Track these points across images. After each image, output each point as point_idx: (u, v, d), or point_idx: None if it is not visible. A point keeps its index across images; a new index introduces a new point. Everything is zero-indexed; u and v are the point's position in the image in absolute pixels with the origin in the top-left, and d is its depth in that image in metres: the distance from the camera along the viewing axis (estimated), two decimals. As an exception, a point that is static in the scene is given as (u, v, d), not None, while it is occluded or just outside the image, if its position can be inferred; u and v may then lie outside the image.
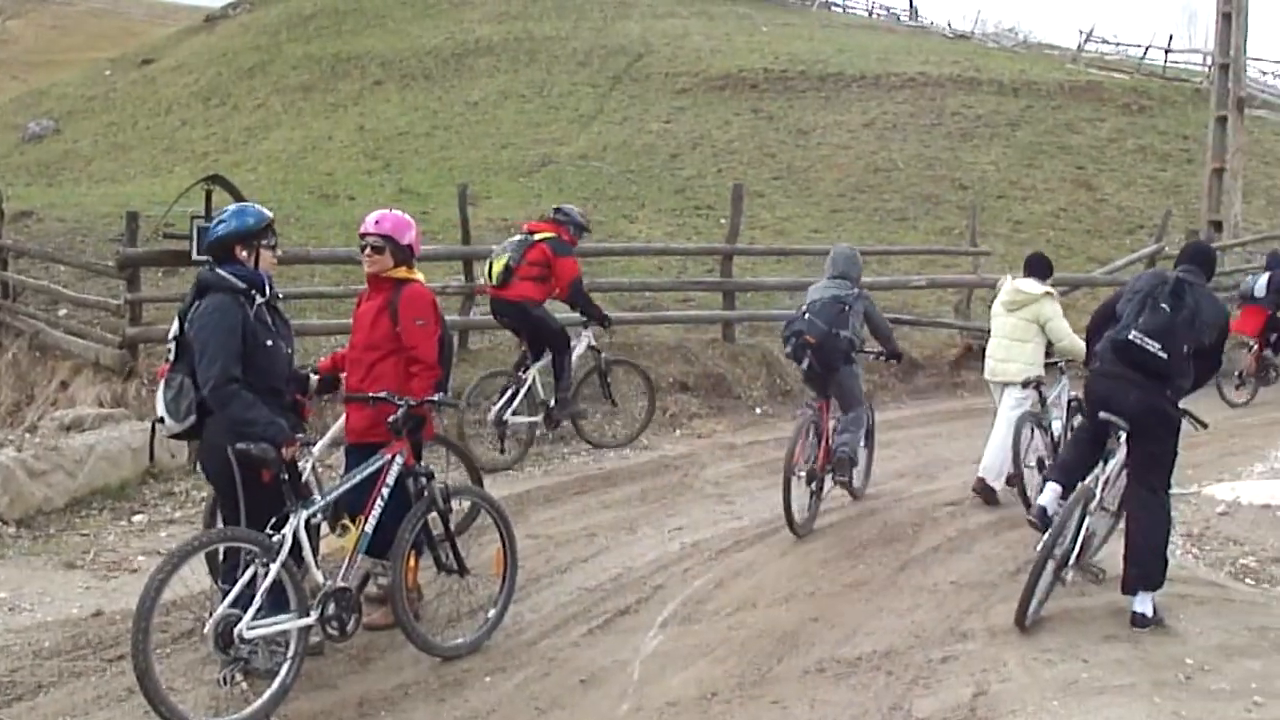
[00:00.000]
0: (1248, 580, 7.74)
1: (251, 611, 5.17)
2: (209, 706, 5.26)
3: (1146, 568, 6.65)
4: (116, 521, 8.46)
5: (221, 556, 5.57)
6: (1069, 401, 9.07)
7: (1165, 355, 6.51)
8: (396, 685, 5.83)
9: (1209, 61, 30.64)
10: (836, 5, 58.09)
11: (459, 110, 31.58)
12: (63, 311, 12.58)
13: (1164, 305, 6.60)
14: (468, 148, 27.58)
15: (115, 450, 8.99)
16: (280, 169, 26.36)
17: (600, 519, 8.71)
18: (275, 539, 5.34)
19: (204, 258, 7.76)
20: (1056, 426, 9.12)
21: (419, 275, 6.50)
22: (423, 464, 6.27)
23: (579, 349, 10.75)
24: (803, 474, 8.42)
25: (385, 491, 6.01)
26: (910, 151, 26.64)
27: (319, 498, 5.73)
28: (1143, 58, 44.20)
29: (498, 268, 10.04)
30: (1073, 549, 6.67)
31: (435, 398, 6.26)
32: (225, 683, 5.19)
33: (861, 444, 9.09)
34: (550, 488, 9.51)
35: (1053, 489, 6.97)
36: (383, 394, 6.13)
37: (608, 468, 10.25)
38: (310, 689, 5.71)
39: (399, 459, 6.08)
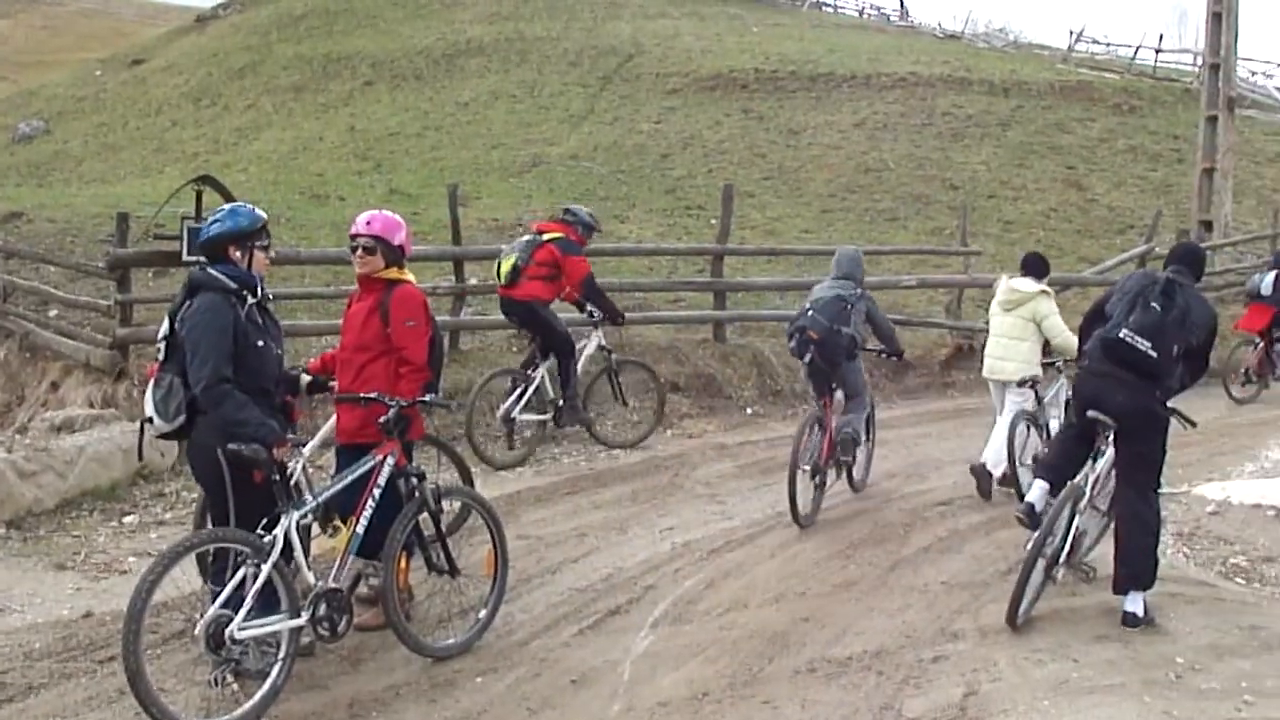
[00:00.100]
0: (1238, 579, 7.77)
1: (243, 612, 5.16)
2: (200, 707, 5.25)
3: (1137, 567, 6.67)
4: (107, 523, 8.44)
5: (211, 557, 5.56)
6: (1067, 401, 9.12)
7: (1155, 354, 6.53)
8: (388, 686, 5.83)
9: (1199, 61, 30.60)
10: (827, 5, 58.17)
11: (450, 111, 31.55)
12: (53, 312, 12.55)
13: (1155, 305, 6.62)
14: (458, 148, 27.56)
15: (106, 451, 8.97)
16: (271, 169, 26.31)
17: (591, 519, 8.71)
18: (266, 540, 5.33)
19: (194, 258, 7.75)
20: (1054, 426, 9.16)
21: (410, 276, 6.50)
22: (414, 465, 6.27)
23: (589, 349, 10.81)
24: (807, 467, 8.63)
25: (376, 492, 6.00)
26: (901, 151, 26.66)
27: (310, 499, 5.72)
28: (1133, 58, 44.30)
29: (506, 267, 10.08)
30: (1063, 548, 6.70)
31: (426, 398, 6.26)
32: (216, 684, 5.18)
33: (863, 429, 9.32)
34: (541, 488, 9.50)
35: (1040, 486, 7.01)
36: (374, 395, 6.13)
37: (599, 468, 10.25)
38: (301, 690, 5.70)
39: (390, 460, 6.07)
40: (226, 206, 5.89)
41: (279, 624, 5.37)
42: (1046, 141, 28.20)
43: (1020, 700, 5.69)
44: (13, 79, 53.22)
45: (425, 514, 6.16)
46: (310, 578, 5.65)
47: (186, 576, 5.46)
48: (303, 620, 5.48)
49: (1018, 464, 9.00)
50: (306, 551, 5.72)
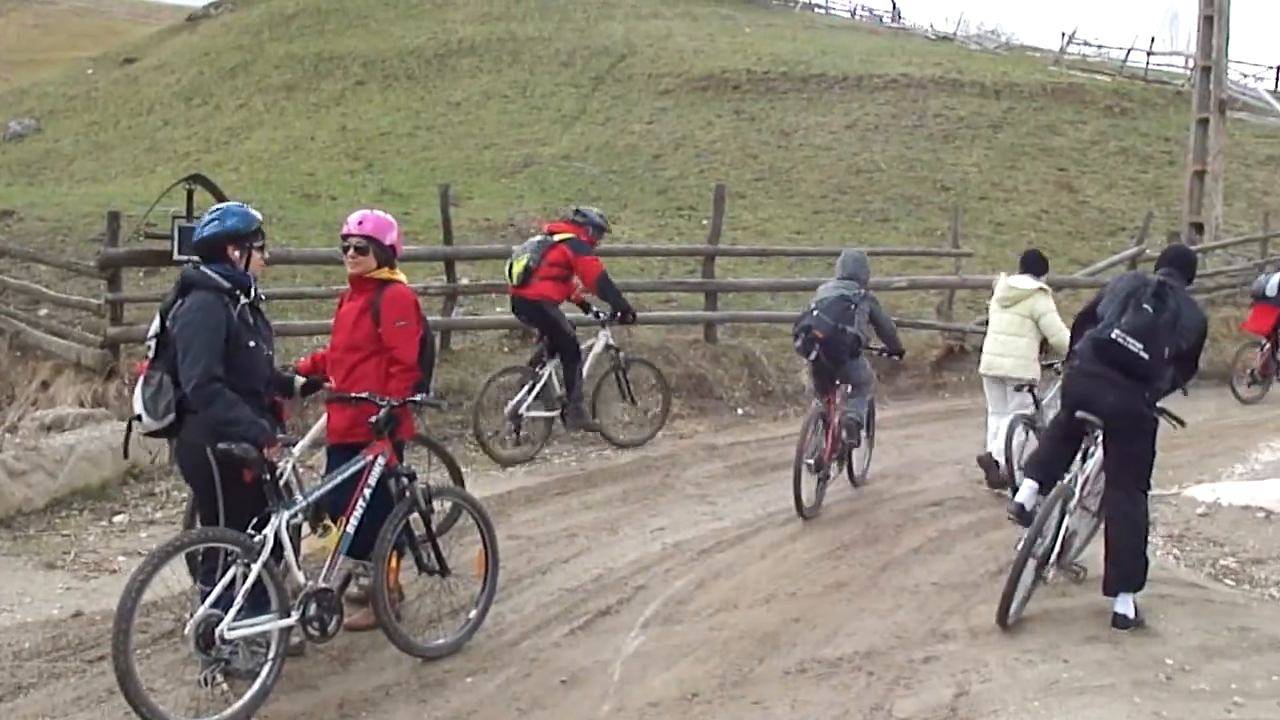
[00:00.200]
0: (1228, 581, 7.79)
1: (232, 612, 5.15)
2: (189, 707, 5.24)
3: (1126, 569, 6.68)
4: (97, 522, 8.42)
5: (201, 557, 5.55)
6: None
7: (1146, 356, 6.54)
8: (378, 686, 5.82)
9: (1190, 64, 30.74)
10: (819, 6, 58.29)
11: (441, 111, 31.53)
12: (44, 311, 12.51)
13: (1146, 306, 6.63)
14: (450, 148, 27.54)
15: (96, 450, 8.95)
16: (262, 169, 26.28)
17: (582, 520, 8.70)
18: (256, 539, 5.32)
19: (185, 257, 7.73)
20: None
21: (401, 276, 6.49)
22: (404, 465, 6.26)
23: (596, 347, 10.87)
24: (811, 462, 8.83)
25: (367, 492, 5.99)
26: (892, 153, 26.69)
27: (300, 498, 5.72)
28: (1125, 60, 44.37)
29: (518, 268, 10.17)
30: (1053, 548, 6.71)
31: (417, 398, 6.26)
32: (206, 683, 5.18)
33: (866, 415, 9.61)
34: (532, 488, 9.50)
35: (1030, 485, 7.02)
36: (364, 395, 6.12)
37: (589, 468, 10.25)
38: (291, 690, 5.69)
39: (381, 460, 6.07)
40: (224, 206, 5.86)
41: (269, 624, 5.36)
42: (1038, 143, 28.26)
43: (1010, 701, 5.69)
44: (4, 77, 53.11)
45: (416, 514, 6.15)
46: (300, 577, 5.64)
47: (176, 576, 5.44)
48: (293, 620, 5.47)
49: (1015, 466, 9.03)
50: (297, 551, 5.70)
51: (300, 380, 6.32)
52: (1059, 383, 9.55)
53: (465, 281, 12.45)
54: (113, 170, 29.47)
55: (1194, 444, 11.08)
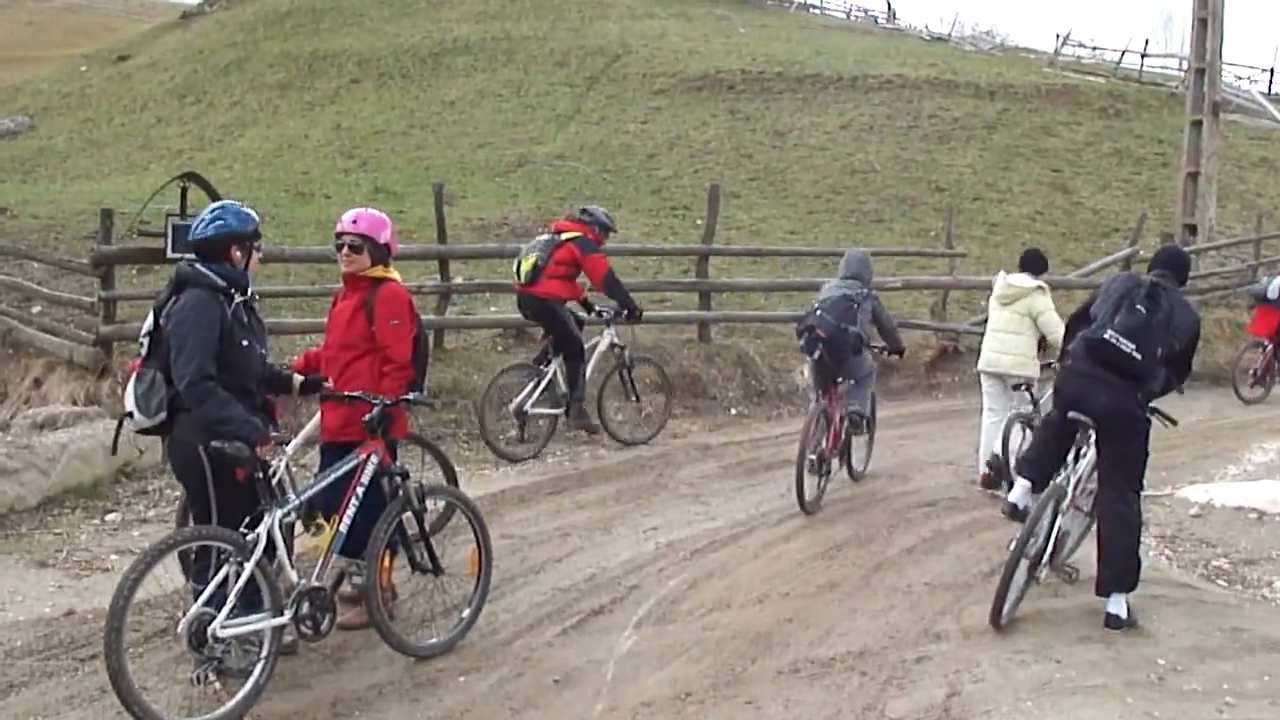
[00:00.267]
0: (1220, 582, 7.80)
1: (225, 611, 5.13)
2: (182, 706, 5.23)
3: (1119, 569, 6.69)
4: (89, 520, 8.40)
5: (194, 555, 5.54)
6: None
7: (1139, 356, 6.55)
8: (370, 685, 5.81)
9: (1185, 66, 30.80)
10: (814, 7, 58.28)
11: (436, 109, 31.51)
12: (36, 309, 12.49)
13: (1140, 307, 6.64)
14: (444, 147, 27.52)
15: (88, 448, 8.93)
16: (256, 167, 26.24)
17: (575, 519, 8.70)
18: (249, 538, 5.31)
19: (178, 255, 7.71)
20: None
21: (395, 274, 6.48)
22: (398, 463, 6.26)
23: (601, 346, 10.91)
24: (813, 457, 8.99)
25: (360, 491, 5.98)
26: (887, 153, 26.71)
27: (293, 497, 5.70)
28: (1119, 62, 44.46)
29: (526, 266, 10.22)
30: (1046, 547, 6.71)
31: (410, 397, 6.25)
32: (199, 682, 5.16)
33: (868, 408, 9.75)
34: (525, 488, 9.49)
35: (1022, 484, 7.05)
36: (358, 393, 6.11)
37: (582, 468, 10.24)
38: (284, 688, 5.68)
39: (374, 458, 6.06)
40: (222, 205, 5.84)
41: (262, 622, 5.35)
42: (1032, 144, 28.30)
43: (1003, 701, 5.70)
44: (-3, 74, 53.02)
45: (409, 513, 6.14)
46: (293, 576, 5.63)
47: (169, 574, 5.42)
48: (285, 619, 5.46)
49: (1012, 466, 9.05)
50: (290, 550, 5.69)
51: (299, 379, 6.30)
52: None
53: (459, 280, 12.44)
54: (106, 168, 29.42)
55: (1187, 445, 11.11)
